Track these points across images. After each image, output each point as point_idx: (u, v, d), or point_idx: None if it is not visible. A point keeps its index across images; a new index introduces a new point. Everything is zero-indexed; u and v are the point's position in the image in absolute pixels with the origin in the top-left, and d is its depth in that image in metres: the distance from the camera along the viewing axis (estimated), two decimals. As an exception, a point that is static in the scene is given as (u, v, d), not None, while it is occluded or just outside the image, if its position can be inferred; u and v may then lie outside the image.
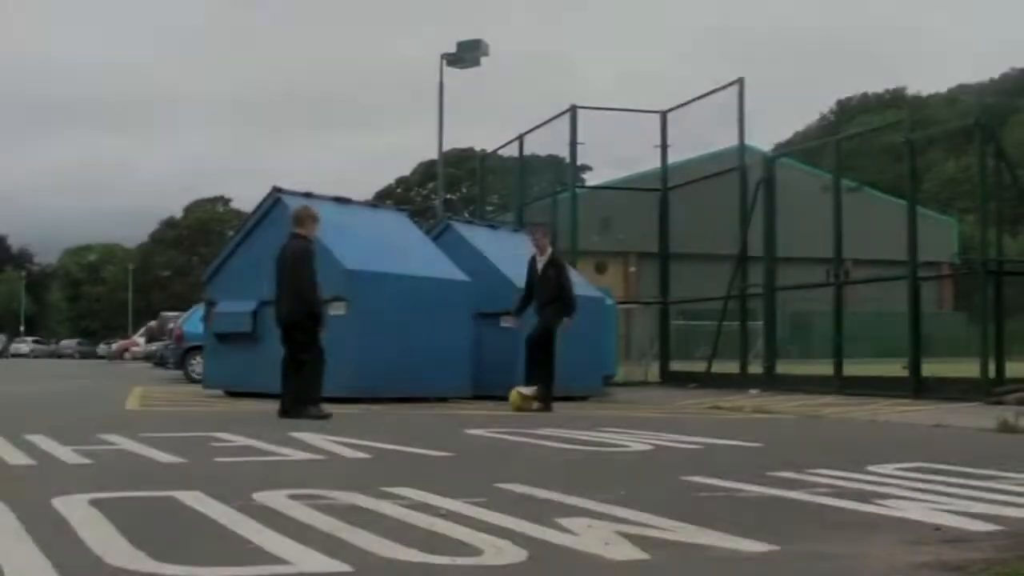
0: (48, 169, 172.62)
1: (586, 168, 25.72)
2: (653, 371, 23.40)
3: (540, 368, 14.35)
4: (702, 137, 21.85)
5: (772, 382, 18.64)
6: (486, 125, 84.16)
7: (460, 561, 3.80)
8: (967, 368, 15.86)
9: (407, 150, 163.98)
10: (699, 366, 22.11)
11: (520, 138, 24.58)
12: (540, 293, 14.72)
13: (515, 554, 3.94)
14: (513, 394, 14.04)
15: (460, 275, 16.24)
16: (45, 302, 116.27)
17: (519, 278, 15.29)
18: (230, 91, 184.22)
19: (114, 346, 71.88)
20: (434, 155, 36.32)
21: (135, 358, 54.06)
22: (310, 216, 12.25)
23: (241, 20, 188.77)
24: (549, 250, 15.00)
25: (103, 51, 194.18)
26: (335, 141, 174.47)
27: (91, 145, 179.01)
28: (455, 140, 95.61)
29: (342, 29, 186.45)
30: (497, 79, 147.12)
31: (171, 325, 31.12)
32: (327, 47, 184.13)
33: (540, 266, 14.78)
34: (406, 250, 16.30)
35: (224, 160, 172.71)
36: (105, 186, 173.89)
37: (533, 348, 14.49)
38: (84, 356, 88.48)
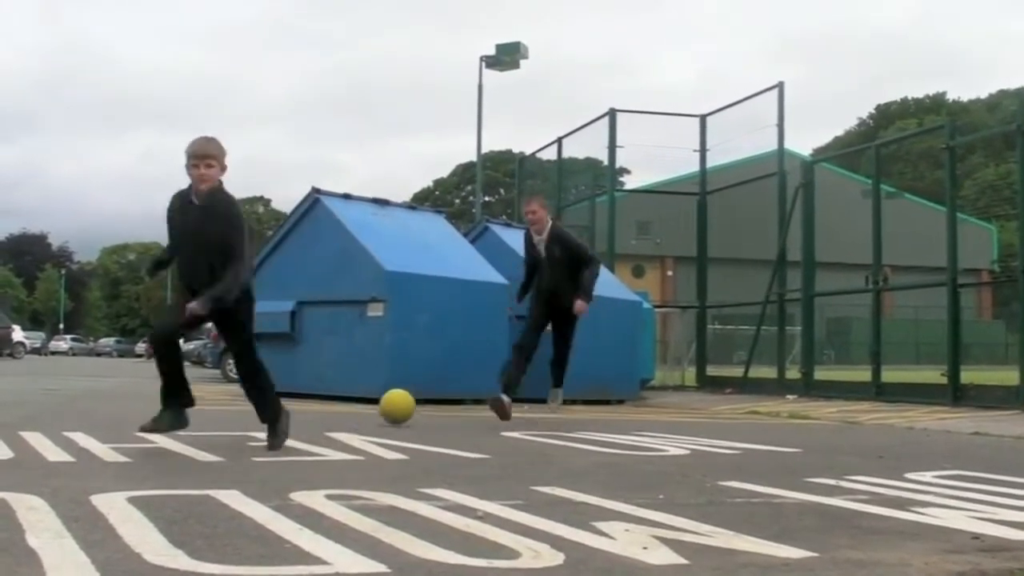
0: (90, 169, 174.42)
1: (624, 171, 25.69)
2: (690, 375, 23.40)
3: (561, 366, 13.16)
4: (741, 141, 21.84)
5: (809, 388, 18.59)
6: (542, 128, 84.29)
7: (497, 563, 3.80)
8: (1006, 376, 15.76)
9: (446, 152, 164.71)
10: (736, 371, 22.09)
11: (559, 141, 24.61)
12: (553, 280, 12.60)
13: (552, 557, 3.93)
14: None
15: (498, 277, 16.23)
16: (84, 300, 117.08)
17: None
18: (273, 93, 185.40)
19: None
20: (472, 157, 36.29)
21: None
22: None
23: (283, 22, 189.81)
24: (548, 223, 12.81)
25: (155, 48, 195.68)
26: (377, 143, 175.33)
27: (134, 143, 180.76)
28: (500, 143, 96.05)
29: (388, 30, 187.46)
30: (561, 82, 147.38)
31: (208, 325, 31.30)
32: (370, 48, 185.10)
33: (542, 247, 12.70)
34: (444, 252, 16.31)
35: (266, 162, 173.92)
36: (149, 185, 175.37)
37: (562, 346, 13.07)
38: (122, 355, 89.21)
